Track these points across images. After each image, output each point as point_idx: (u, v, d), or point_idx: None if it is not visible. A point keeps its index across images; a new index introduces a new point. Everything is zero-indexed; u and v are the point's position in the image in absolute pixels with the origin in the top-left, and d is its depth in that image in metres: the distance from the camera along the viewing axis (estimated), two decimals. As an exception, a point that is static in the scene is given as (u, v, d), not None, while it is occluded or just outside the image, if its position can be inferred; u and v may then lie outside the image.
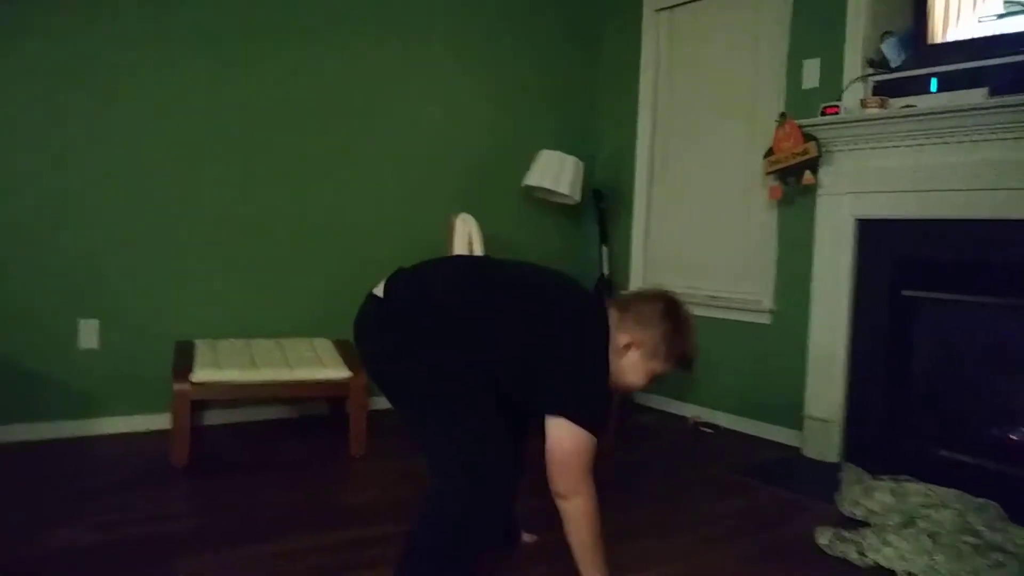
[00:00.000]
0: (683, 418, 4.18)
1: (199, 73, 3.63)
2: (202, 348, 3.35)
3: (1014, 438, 3.07)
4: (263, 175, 3.82)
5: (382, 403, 4.06)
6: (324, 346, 3.56)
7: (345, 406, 3.38)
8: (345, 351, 3.53)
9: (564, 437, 1.79)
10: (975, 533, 2.36)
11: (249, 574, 2.17)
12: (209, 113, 3.66)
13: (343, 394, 3.35)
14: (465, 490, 1.81)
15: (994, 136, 2.95)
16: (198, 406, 3.54)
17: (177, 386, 3.05)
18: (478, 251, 3.70)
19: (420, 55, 4.24)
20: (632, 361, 1.93)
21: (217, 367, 3.14)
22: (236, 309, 3.76)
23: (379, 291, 1.98)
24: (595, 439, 1.81)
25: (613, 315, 1.95)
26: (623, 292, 2.06)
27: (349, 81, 4.02)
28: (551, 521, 1.92)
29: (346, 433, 3.33)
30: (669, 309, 1.96)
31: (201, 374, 3.09)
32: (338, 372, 3.29)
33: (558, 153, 4.41)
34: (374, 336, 1.97)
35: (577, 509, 1.84)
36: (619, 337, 1.92)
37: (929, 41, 3.38)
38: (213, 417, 3.73)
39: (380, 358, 1.98)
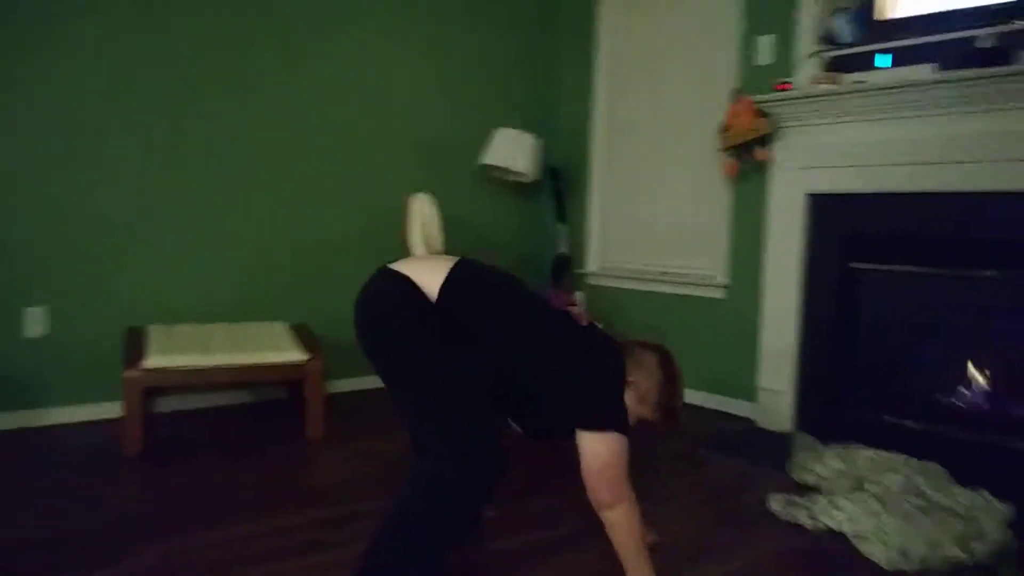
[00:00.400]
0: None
1: (147, 55, 3.55)
2: (155, 333, 3.30)
3: (956, 402, 3.16)
4: (216, 157, 3.76)
5: (339, 386, 4.09)
6: (280, 330, 3.53)
7: (302, 389, 3.35)
8: (301, 334, 3.51)
9: (599, 448, 1.87)
10: (921, 494, 2.43)
11: (207, 560, 2.15)
12: (159, 93, 3.59)
13: (300, 377, 3.32)
14: (461, 474, 1.78)
15: (942, 111, 3.02)
16: (151, 393, 3.50)
17: (128, 373, 3.00)
18: (435, 231, 3.70)
19: (375, 36, 4.20)
20: (626, 400, 1.98)
21: (170, 353, 3.10)
22: (190, 294, 3.71)
23: (406, 269, 1.96)
24: (626, 443, 1.88)
25: (633, 351, 2.04)
26: (622, 340, 2.10)
27: (303, 64, 3.97)
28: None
29: (303, 416, 3.31)
30: (665, 361, 2.04)
31: (154, 360, 3.04)
32: (294, 355, 3.27)
33: (514, 131, 4.41)
34: (392, 309, 1.94)
35: (620, 516, 1.89)
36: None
37: (879, 17, 3.44)
38: (167, 404, 3.69)
39: (392, 331, 1.94)
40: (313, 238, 4.05)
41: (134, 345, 3.18)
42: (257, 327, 3.55)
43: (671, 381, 2.02)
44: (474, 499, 1.86)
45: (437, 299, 1.91)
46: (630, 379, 1.97)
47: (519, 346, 1.94)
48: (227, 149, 3.79)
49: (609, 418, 1.89)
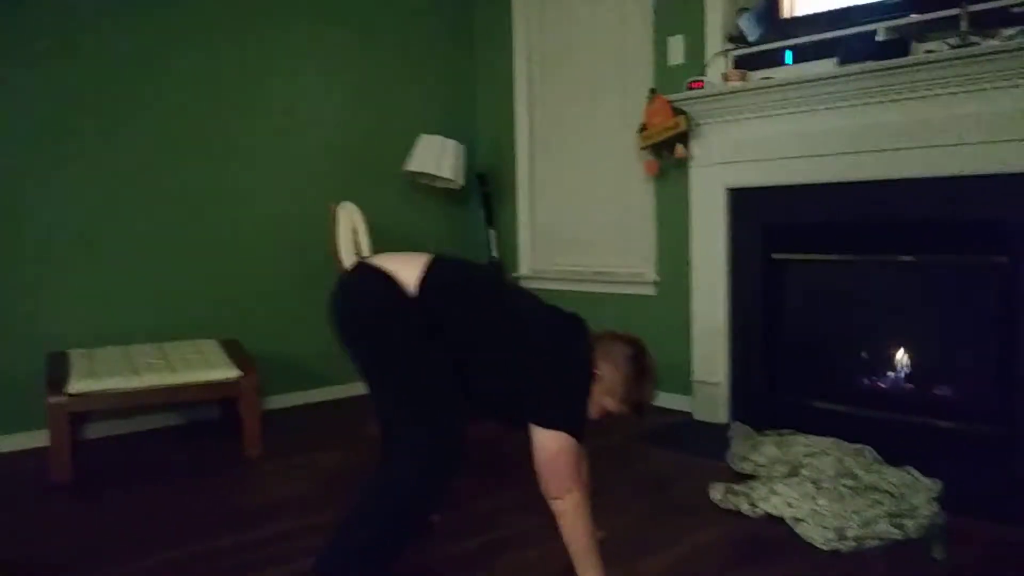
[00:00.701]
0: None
1: (63, 62, 3.43)
2: (77, 358, 3.19)
3: (881, 385, 3.29)
4: (134, 173, 3.65)
5: (275, 402, 4.02)
6: (209, 347, 3.45)
7: (236, 407, 3.28)
8: (233, 351, 3.43)
9: (547, 442, 1.90)
10: (853, 476, 2.51)
11: (147, 586, 2.10)
12: (74, 107, 3.47)
13: (234, 395, 3.26)
14: (419, 476, 1.91)
15: (845, 103, 3.13)
16: (78, 419, 3.38)
17: (52, 399, 2.90)
18: (364, 241, 3.66)
19: (294, 42, 4.14)
20: (591, 392, 2.00)
21: (95, 376, 3.00)
22: (112, 315, 3.59)
23: (385, 264, 1.99)
24: (576, 442, 1.91)
25: (604, 343, 2.05)
26: (598, 331, 2.11)
27: (221, 71, 3.89)
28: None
29: (239, 435, 3.24)
30: (637, 356, 2.05)
31: (78, 384, 2.94)
32: (227, 372, 3.20)
33: (438, 138, 4.40)
34: (372, 302, 1.98)
35: (568, 507, 1.91)
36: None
37: (782, 15, 3.56)
38: (96, 430, 3.56)
39: (371, 324, 1.98)
40: (239, 252, 3.97)
41: (57, 370, 3.07)
42: (186, 345, 3.46)
43: (640, 376, 2.04)
44: (429, 500, 1.98)
45: (416, 293, 1.94)
46: (596, 372, 2.00)
47: (490, 340, 1.98)
48: (146, 165, 3.69)
49: (561, 418, 1.91)
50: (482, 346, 1.99)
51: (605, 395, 2.02)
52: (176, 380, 3.11)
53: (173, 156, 3.76)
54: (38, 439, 3.26)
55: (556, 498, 1.92)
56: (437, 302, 1.95)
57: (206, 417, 3.87)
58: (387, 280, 1.95)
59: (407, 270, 1.97)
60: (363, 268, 2.05)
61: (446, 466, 1.94)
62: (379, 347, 1.97)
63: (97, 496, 2.83)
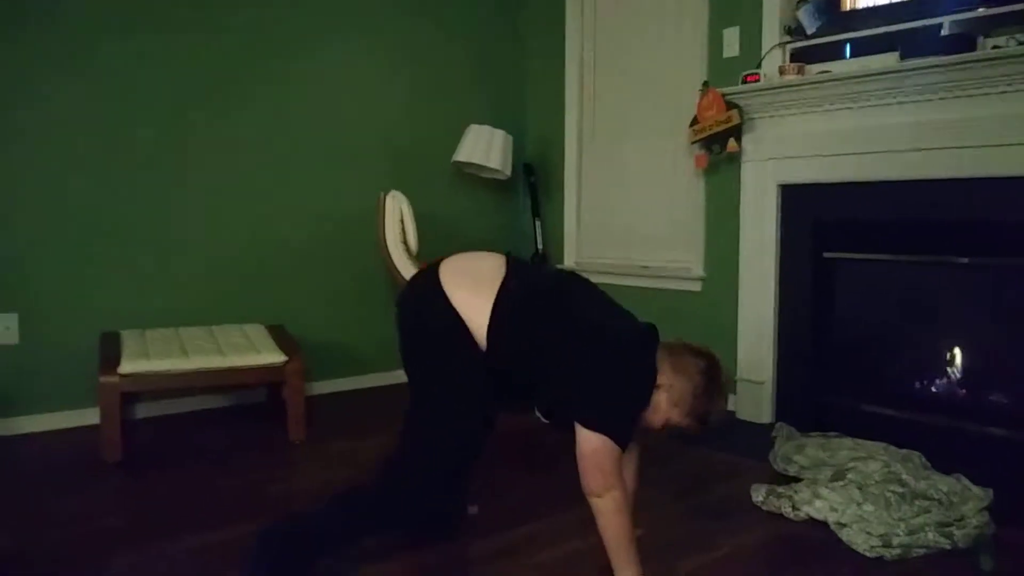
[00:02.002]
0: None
1: (110, 57, 3.49)
2: (129, 339, 3.25)
3: (933, 389, 3.20)
4: (188, 159, 3.71)
5: (319, 388, 4.07)
6: (256, 331, 3.50)
7: (281, 392, 3.33)
8: (278, 336, 3.48)
9: (593, 439, 1.89)
10: (901, 482, 2.45)
11: (189, 565, 2.14)
12: (124, 98, 3.54)
13: (279, 379, 3.30)
14: (381, 504, 2.04)
15: (906, 99, 3.05)
16: (128, 399, 3.45)
17: (104, 379, 2.96)
18: (411, 229, 3.68)
19: (347, 38, 4.17)
20: (656, 402, 2.00)
21: (146, 357, 3.06)
22: (163, 298, 3.66)
23: (454, 294, 2.00)
24: (618, 446, 1.91)
25: (661, 353, 2.03)
26: (674, 340, 2.10)
27: (271, 61, 3.93)
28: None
29: (284, 419, 3.29)
30: (709, 368, 2.03)
31: (129, 365, 3.00)
32: (273, 357, 3.24)
33: (487, 128, 4.39)
34: (430, 341, 2.04)
35: (607, 505, 1.90)
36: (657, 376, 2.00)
37: (843, 8, 3.47)
38: (145, 410, 3.64)
39: (423, 360, 2.07)
40: (287, 239, 4.01)
41: (109, 350, 3.13)
42: (233, 329, 3.51)
43: (709, 389, 2.01)
44: (372, 527, 2.10)
45: (485, 343, 1.97)
46: (664, 383, 1.98)
47: (554, 357, 1.98)
48: (198, 151, 3.74)
49: (606, 423, 1.90)
50: (545, 364, 2.00)
51: (672, 406, 2.00)
52: (224, 363, 3.16)
53: (227, 145, 3.82)
54: (89, 417, 3.34)
55: (596, 496, 1.90)
56: (503, 347, 1.97)
57: (252, 400, 3.93)
58: (455, 320, 1.96)
59: (477, 305, 1.97)
60: (434, 292, 2.01)
61: (411, 510, 2.05)
62: (422, 372, 2.06)
63: (145, 475, 2.89)
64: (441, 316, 1.98)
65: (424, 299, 2.04)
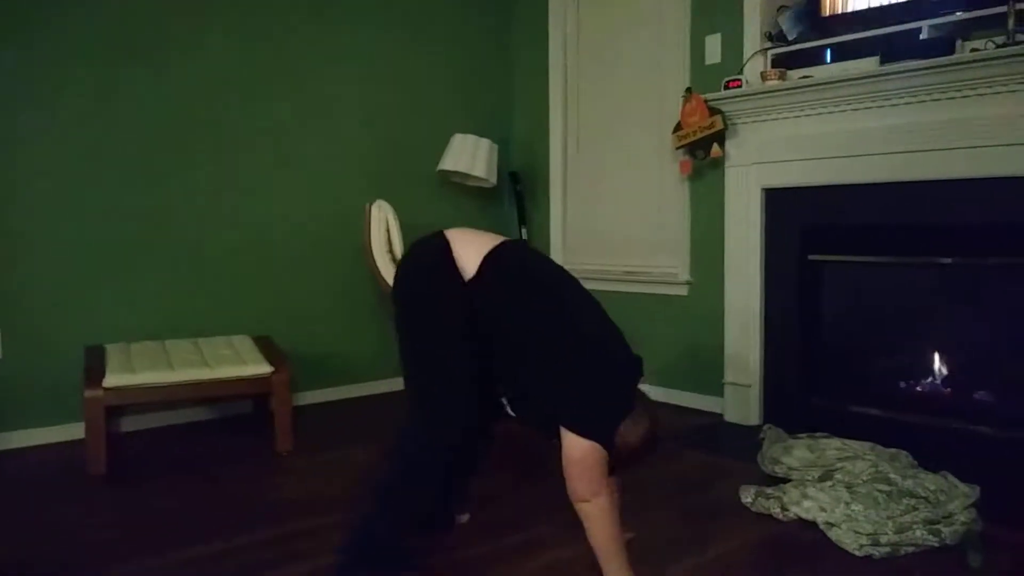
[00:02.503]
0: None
1: (95, 68, 3.48)
2: (114, 352, 3.23)
3: (918, 389, 3.22)
4: (168, 170, 3.70)
5: (306, 398, 4.05)
6: (243, 343, 3.48)
7: (268, 403, 3.31)
8: (265, 347, 3.46)
9: (581, 444, 1.90)
10: (888, 481, 2.47)
11: (178, 577, 2.12)
12: (108, 109, 3.53)
13: (266, 390, 3.29)
14: (429, 437, 2.00)
15: (887, 103, 3.08)
16: (113, 412, 3.43)
17: (89, 392, 2.94)
18: (396, 238, 3.68)
19: (329, 42, 4.17)
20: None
21: (131, 370, 3.04)
22: (147, 311, 3.64)
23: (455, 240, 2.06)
24: (605, 452, 1.92)
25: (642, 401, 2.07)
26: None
27: (256, 71, 3.93)
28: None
29: (271, 430, 3.27)
30: (655, 439, 2.05)
31: (114, 378, 2.98)
32: (259, 368, 3.23)
33: (472, 136, 4.40)
34: (422, 278, 2.08)
35: (594, 510, 1.92)
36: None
37: (823, 13, 3.50)
38: (130, 423, 3.62)
39: (416, 301, 2.08)
40: (273, 250, 4.00)
41: (94, 364, 3.11)
42: (219, 341, 3.50)
43: (645, 454, 2.05)
44: (438, 463, 2.01)
45: (473, 276, 1.98)
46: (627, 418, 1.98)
47: (544, 340, 1.99)
48: (180, 162, 3.73)
49: (597, 429, 1.91)
50: (533, 344, 1.99)
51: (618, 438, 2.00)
52: (210, 375, 3.14)
53: (209, 155, 3.81)
54: (75, 431, 3.31)
55: (583, 501, 1.91)
56: (491, 290, 1.99)
57: (239, 412, 3.91)
58: (445, 255, 2.01)
59: (473, 251, 2.01)
60: (437, 237, 2.10)
61: (453, 440, 1.99)
62: (418, 315, 2.06)
63: (131, 489, 2.87)
64: (434, 253, 2.05)
65: (419, 247, 2.14)
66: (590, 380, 1.95)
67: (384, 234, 3.67)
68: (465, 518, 2.45)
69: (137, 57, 3.59)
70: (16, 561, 2.24)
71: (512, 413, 2.14)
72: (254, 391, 3.42)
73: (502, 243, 2.07)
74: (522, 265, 2.09)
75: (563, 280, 2.11)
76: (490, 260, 2.00)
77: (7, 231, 3.32)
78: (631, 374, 2.02)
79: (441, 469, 2.02)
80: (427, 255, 2.08)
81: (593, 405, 1.94)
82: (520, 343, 2.00)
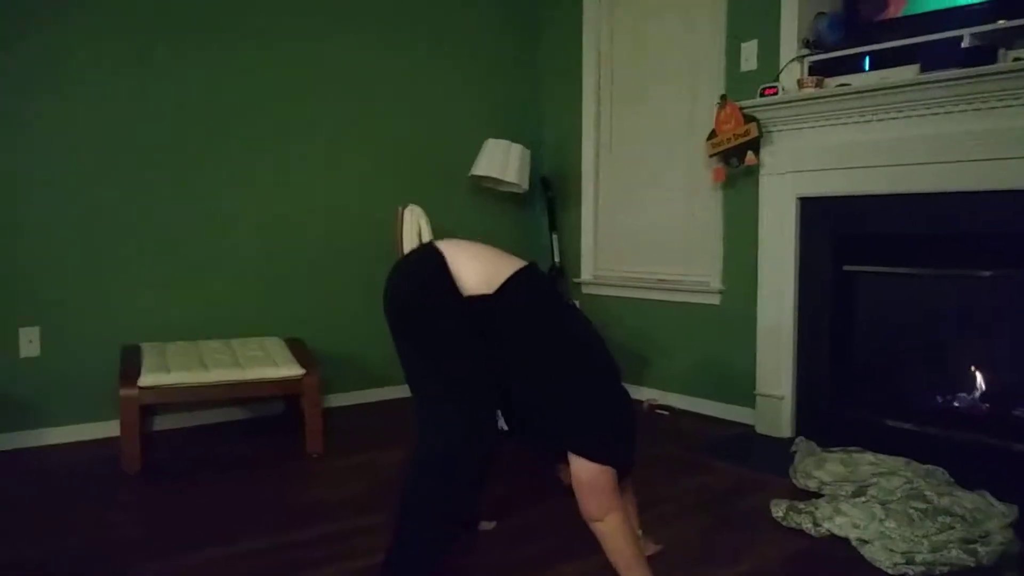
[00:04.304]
0: (639, 401, 4.22)
1: (134, 73, 3.54)
2: (149, 352, 3.28)
3: (956, 404, 3.16)
4: (205, 174, 3.75)
5: (336, 400, 4.07)
6: (275, 345, 3.51)
7: (299, 404, 3.34)
8: (296, 349, 3.49)
9: (588, 469, 1.91)
10: (924, 498, 2.42)
11: (208, 578, 2.14)
12: (147, 114, 3.58)
13: (297, 392, 3.31)
14: (456, 443, 1.92)
15: (927, 111, 3.02)
16: (148, 411, 3.47)
17: (124, 391, 2.98)
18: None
19: (361, 49, 4.19)
20: None
21: (165, 370, 3.08)
22: (182, 311, 3.69)
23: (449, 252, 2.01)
24: (614, 472, 1.92)
25: None
26: None
27: (288, 78, 3.96)
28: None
29: (301, 432, 3.30)
30: None
31: (149, 378, 3.02)
32: (291, 370, 3.25)
33: (504, 142, 4.40)
34: (421, 292, 2.04)
35: (608, 528, 1.92)
36: None
37: (861, 20, 3.45)
38: (164, 422, 3.66)
39: (419, 314, 2.04)
40: (304, 253, 4.03)
41: (129, 363, 3.16)
42: (252, 343, 3.53)
43: None
44: (464, 474, 1.94)
45: (493, 294, 1.95)
46: None
47: (551, 360, 1.99)
48: (217, 165, 3.78)
49: (607, 453, 1.92)
50: (544, 366, 1.99)
51: None
52: (242, 376, 3.18)
53: (245, 160, 3.85)
54: (109, 429, 3.36)
55: (596, 520, 1.93)
56: (518, 310, 1.98)
57: (270, 413, 3.94)
58: (443, 269, 1.97)
59: (477, 265, 1.99)
60: (429, 250, 2.06)
61: (478, 440, 1.93)
62: (420, 325, 2.01)
63: (164, 487, 2.90)
64: (435, 269, 1.99)
65: (416, 257, 2.14)
66: (597, 404, 1.97)
67: (416, 238, 3.68)
68: (491, 525, 2.45)
69: (176, 59, 3.64)
70: (51, 557, 2.27)
71: (505, 427, 2.12)
72: (285, 393, 3.45)
73: (527, 266, 2.04)
74: (546, 291, 2.13)
75: (575, 311, 2.18)
76: (515, 281, 1.98)
77: (47, 231, 3.38)
78: (628, 400, 2.06)
79: (476, 476, 1.98)
80: (422, 268, 2.04)
81: (600, 428, 1.95)
82: (531, 364, 1.99)
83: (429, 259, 2.02)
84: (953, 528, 2.27)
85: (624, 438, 1.99)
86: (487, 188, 4.60)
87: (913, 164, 3.08)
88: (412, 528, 1.94)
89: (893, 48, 3.23)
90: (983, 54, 2.87)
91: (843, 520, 2.39)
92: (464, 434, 1.91)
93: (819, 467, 2.77)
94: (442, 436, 1.93)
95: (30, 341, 3.35)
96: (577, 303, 4.56)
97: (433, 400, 1.99)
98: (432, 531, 1.95)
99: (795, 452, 3.01)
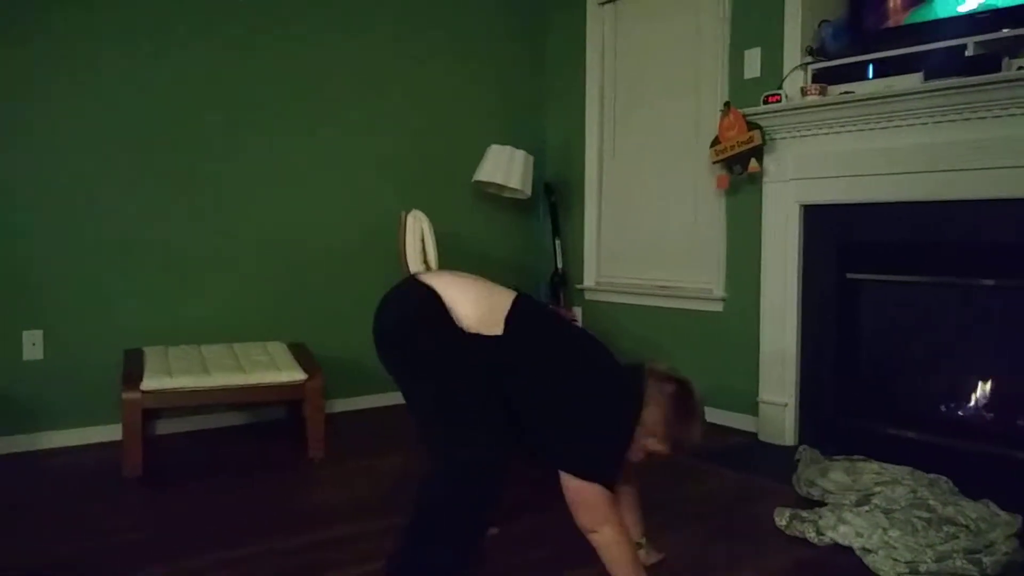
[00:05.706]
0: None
1: (138, 76, 3.55)
2: (152, 355, 3.28)
3: (960, 413, 3.16)
4: (209, 178, 3.75)
5: (339, 405, 4.07)
6: (277, 349, 3.51)
7: (302, 409, 3.33)
8: (299, 353, 3.49)
9: (570, 486, 1.89)
10: (928, 507, 2.42)
11: (210, 583, 2.14)
12: (151, 118, 3.59)
13: (299, 397, 3.30)
14: (455, 489, 1.87)
15: (930, 120, 3.02)
16: (150, 415, 3.47)
17: (127, 395, 2.98)
18: (431, 248, 3.68)
19: (365, 55, 4.20)
20: (635, 435, 1.98)
21: (168, 374, 3.08)
22: (185, 315, 3.69)
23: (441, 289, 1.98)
24: (603, 487, 1.88)
25: (649, 384, 2.01)
26: (657, 367, 2.09)
27: (293, 81, 3.97)
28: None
29: (303, 436, 3.29)
30: (679, 393, 2.02)
31: (151, 382, 3.02)
32: (293, 375, 3.25)
33: (508, 148, 4.41)
34: (413, 326, 2.02)
35: (603, 539, 1.90)
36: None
37: (865, 28, 3.45)
38: (166, 426, 3.66)
39: (413, 347, 2.02)
40: (307, 257, 4.04)
41: (132, 367, 3.16)
42: (254, 347, 3.53)
43: (680, 414, 2.00)
44: (470, 512, 1.89)
45: (500, 331, 1.93)
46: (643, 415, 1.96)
47: (546, 383, 1.96)
48: (220, 170, 3.78)
49: (595, 473, 1.89)
50: (536, 386, 1.96)
51: (647, 436, 1.98)
52: (245, 381, 3.17)
53: (247, 165, 3.85)
54: (111, 433, 3.36)
55: (591, 531, 1.91)
56: (521, 344, 1.95)
57: (272, 417, 3.94)
58: (437, 303, 1.94)
59: (470, 299, 1.96)
60: (416, 284, 2.04)
61: (483, 484, 1.87)
62: (413, 360, 2.00)
63: (166, 491, 2.90)
64: (424, 300, 1.97)
65: (405, 292, 2.09)
66: (580, 421, 1.92)
67: (419, 243, 3.67)
68: (493, 530, 2.44)
69: (179, 63, 3.64)
70: (52, 560, 2.27)
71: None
72: (287, 397, 3.44)
73: (521, 296, 2.03)
74: (550, 317, 2.13)
75: (580, 329, 2.19)
76: (519, 314, 1.97)
77: (51, 234, 3.38)
78: (625, 393, 1.98)
79: (497, 489, 1.93)
80: (414, 300, 2.01)
81: (584, 445, 1.91)
82: (531, 392, 1.96)
83: (417, 291, 2.00)
84: (957, 538, 2.27)
85: (609, 453, 1.94)
86: (490, 194, 4.61)
87: (916, 172, 3.08)
88: (420, 552, 1.89)
89: (897, 56, 3.24)
90: (987, 63, 2.87)
91: (847, 529, 2.38)
92: (469, 479, 1.86)
93: (823, 476, 2.76)
94: (448, 482, 1.88)
95: (33, 344, 3.36)
96: (579, 310, 4.56)
97: (438, 440, 1.97)
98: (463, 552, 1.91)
99: (798, 460, 3.00)
